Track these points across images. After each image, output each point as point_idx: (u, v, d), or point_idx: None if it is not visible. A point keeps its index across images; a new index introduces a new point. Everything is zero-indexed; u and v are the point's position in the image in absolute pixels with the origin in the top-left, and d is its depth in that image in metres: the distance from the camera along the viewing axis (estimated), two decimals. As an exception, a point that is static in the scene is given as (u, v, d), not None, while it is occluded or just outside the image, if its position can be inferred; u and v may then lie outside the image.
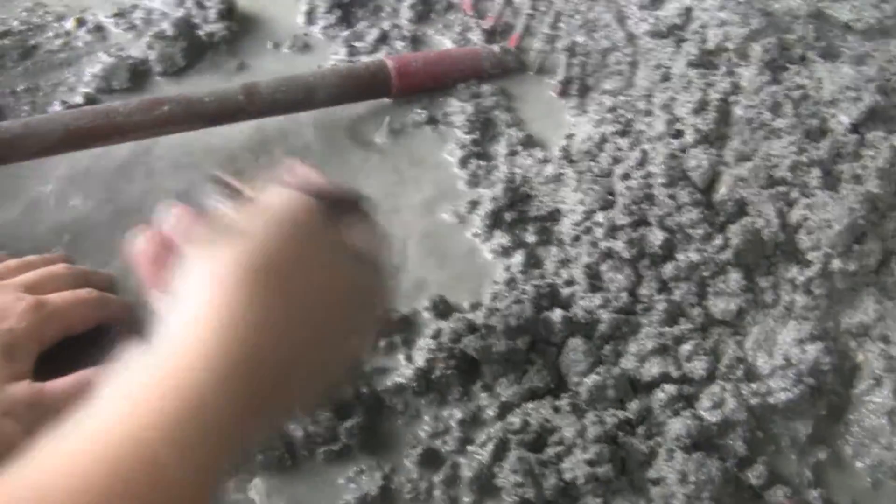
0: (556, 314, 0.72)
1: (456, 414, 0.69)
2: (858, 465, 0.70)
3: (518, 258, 0.77)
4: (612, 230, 0.73)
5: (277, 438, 0.67)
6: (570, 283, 0.75)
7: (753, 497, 0.67)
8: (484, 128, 0.89)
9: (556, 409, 0.69)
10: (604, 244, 0.73)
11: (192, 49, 0.96)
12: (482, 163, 0.85)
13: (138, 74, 0.94)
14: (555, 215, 0.80)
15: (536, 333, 0.72)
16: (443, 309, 0.74)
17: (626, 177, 0.75)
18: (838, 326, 0.72)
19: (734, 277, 0.71)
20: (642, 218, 0.73)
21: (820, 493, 0.67)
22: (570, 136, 0.86)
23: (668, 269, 0.72)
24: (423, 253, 0.80)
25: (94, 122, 0.80)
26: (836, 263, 0.69)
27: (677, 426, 0.67)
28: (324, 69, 0.92)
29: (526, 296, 0.72)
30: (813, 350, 0.69)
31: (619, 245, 0.72)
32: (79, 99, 0.90)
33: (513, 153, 0.86)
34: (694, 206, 0.71)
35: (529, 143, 0.87)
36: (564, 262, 0.76)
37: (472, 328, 0.71)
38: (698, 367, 0.70)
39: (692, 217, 0.71)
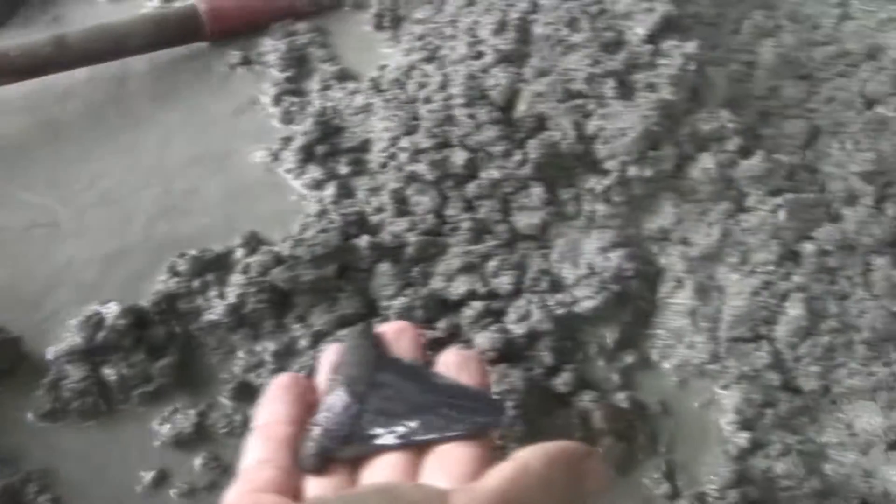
0: (363, 240, 0.71)
1: (269, 346, 0.68)
2: (665, 365, 0.70)
3: (330, 190, 0.76)
4: (416, 154, 0.71)
5: (92, 384, 0.65)
6: (379, 210, 0.74)
7: (562, 404, 0.66)
8: (298, 65, 0.88)
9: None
10: (408, 168, 0.72)
11: (3, 4, 0.92)
12: (295, 99, 0.84)
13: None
14: (365, 146, 0.79)
15: (344, 261, 0.70)
16: (254, 245, 0.73)
17: (427, 100, 0.74)
18: (640, 232, 0.71)
19: (536, 192, 0.71)
20: (445, 140, 0.72)
21: (627, 394, 0.67)
22: (382, 67, 0.85)
23: (472, 188, 0.71)
24: (236, 192, 0.78)
25: None
26: (633, 170, 0.69)
27: (481, 340, 0.66)
28: (135, 16, 0.89)
29: (333, 225, 0.71)
30: (615, 257, 0.69)
31: (422, 168, 0.71)
32: None
33: (325, 88, 0.85)
34: (493, 124, 0.70)
35: (343, 76, 0.86)
36: (374, 190, 0.75)
37: (279, 260, 0.69)
38: (504, 282, 0.69)
39: (492, 135, 0.70)
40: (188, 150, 0.81)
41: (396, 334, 0.57)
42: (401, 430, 0.48)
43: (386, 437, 0.48)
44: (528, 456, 0.44)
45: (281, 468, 0.51)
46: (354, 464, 0.49)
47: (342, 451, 0.49)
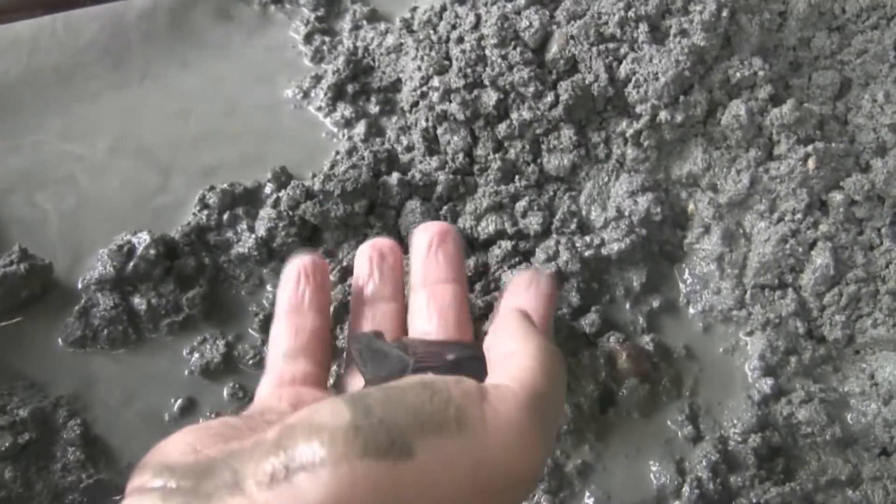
0: (393, 178, 0.69)
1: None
2: (691, 311, 0.68)
3: (360, 128, 0.74)
4: (447, 93, 0.69)
5: (122, 312, 0.64)
6: (409, 148, 0.73)
7: (587, 344, 0.65)
8: (329, 4, 0.85)
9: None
10: (439, 107, 0.70)
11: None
12: (326, 38, 0.82)
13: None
14: (396, 85, 0.77)
15: (374, 197, 0.69)
16: (284, 180, 0.71)
17: (460, 40, 0.71)
18: (669, 177, 0.70)
19: (566, 133, 0.69)
20: (477, 80, 0.69)
21: (652, 337, 0.66)
22: (413, 9, 0.82)
23: (502, 128, 0.69)
24: (267, 129, 0.77)
25: None
26: (664, 115, 0.67)
27: (509, 278, 0.64)
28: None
29: (363, 161, 0.69)
30: (644, 201, 0.67)
31: (454, 107, 0.69)
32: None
33: (356, 28, 0.82)
34: (525, 65, 0.68)
35: (374, 17, 0.84)
36: (404, 129, 0.73)
37: (309, 194, 0.67)
38: (533, 222, 0.68)
39: (523, 76, 0.68)
40: (219, 88, 0.79)
41: (441, 236, 0.56)
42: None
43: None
44: (537, 346, 0.42)
45: (315, 361, 0.51)
46: None
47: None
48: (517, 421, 0.37)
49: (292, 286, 0.54)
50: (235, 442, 0.36)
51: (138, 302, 0.65)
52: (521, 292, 0.53)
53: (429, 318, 0.53)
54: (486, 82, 0.70)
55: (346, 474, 0.32)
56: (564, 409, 0.60)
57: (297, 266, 0.55)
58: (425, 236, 0.56)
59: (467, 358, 0.49)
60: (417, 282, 0.55)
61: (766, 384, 0.64)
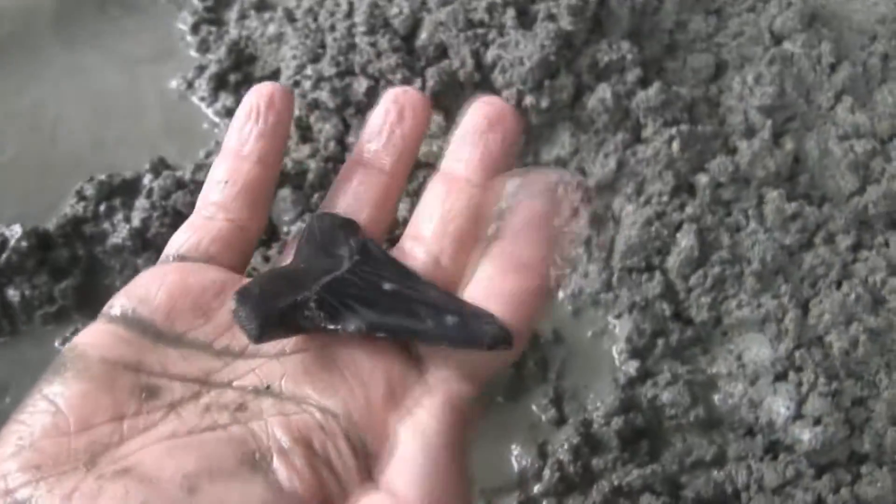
0: (265, 167, 0.66)
1: (171, 270, 0.64)
2: (560, 294, 0.66)
3: (243, 116, 0.71)
4: (319, 81, 0.67)
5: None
6: (285, 137, 0.70)
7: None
8: (219, -6, 0.83)
9: (266, 259, 0.64)
10: (311, 95, 0.67)
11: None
12: (213, 28, 0.79)
13: None
14: (276, 75, 0.75)
15: (246, 186, 0.66)
16: (161, 170, 0.69)
17: (332, 28, 0.69)
18: (537, 162, 0.67)
19: (435, 119, 0.66)
20: (348, 68, 0.67)
21: (519, 322, 0.63)
22: (300, -2, 0.80)
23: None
24: (150, 120, 0.74)
25: None
26: (529, 99, 0.65)
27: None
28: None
29: (236, 151, 0.66)
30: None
31: (324, 95, 0.67)
32: None
33: (243, 17, 0.80)
34: (394, 52, 0.66)
35: (262, 6, 0.81)
36: (281, 119, 0.70)
37: (181, 184, 0.65)
38: (402, 208, 0.65)
39: (391, 63, 0.65)
40: (104, 78, 0.76)
41: (497, 119, 0.40)
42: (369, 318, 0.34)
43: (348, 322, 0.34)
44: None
45: (234, 221, 0.39)
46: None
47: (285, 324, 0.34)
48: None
49: (240, 122, 0.42)
50: None
51: (12, 294, 0.63)
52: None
53: (428, 218, 0.39)
54: (357, 70, 0.67)
55: None
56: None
57: (252, 99, 0.42)
58: (478, 114, 0.40)
59: (407, 329, 0.35)
60: (441, 167, 0.41)
61: (632, 366, 0.62)
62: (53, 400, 0.31)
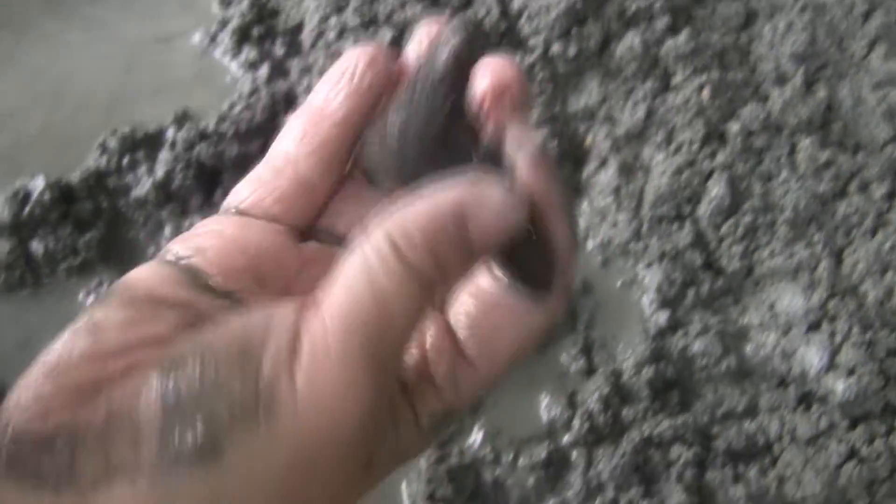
0: (289, 118, 0.65)
1: (196, 221, 0.63)
2: (589, 245, 0.65)
3: (264, 70, 0.71)
4: (343, 32, 0.66)
5: (19, 257, 0.61)
6: (310, 89, 0.69)
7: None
8: (242, -50, 0.81)
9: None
10: (335, 46, 0.66)
11: None
12: (235, -18, 0.77)
13: None
14: (300, 28, 0.73)
15: (270, 138, 0.65)
16: (184, 124, 0.67)
17: (356, -21, 0.68)
18: (565, 110, 0.66)
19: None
20: (372, 18, 0.66)
21: (547, 273, 0.62)
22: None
23: (398, 65, 0.65)
24: (174, 75, 0.73)
25: None
26: (556, 48, 0.63)
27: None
28: None
29: (259, 102, 0.65)
30: (539, 135, 0.63)
31: (349, 46, 0.65)
32: None
33: (265, -29, 0.78)
34: (418, 1, 0.64)
35: (285, -40, 0.79)
36: (306, 70, 0.69)
37: (204, 136, 0.64)
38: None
39: (416, 11, 0.64)
40: (129, 33, 0.75)
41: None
42: None
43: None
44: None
45: (302, 179, 0.36)
46: None
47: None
48: (334, 384, 0.30)
49: (332, 80, 0.37)
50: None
51: (35, 246, 0.62)
52: None
53: None
54: (381, 20, 0.66)
55: (161, 484, 0.28)
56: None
57: (352, 56, 0.37)
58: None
59: None
60: None
61: (662, 316, 0.61)
62: (96, 322, 0.30)
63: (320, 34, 0.68)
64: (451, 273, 0.30)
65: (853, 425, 0.59)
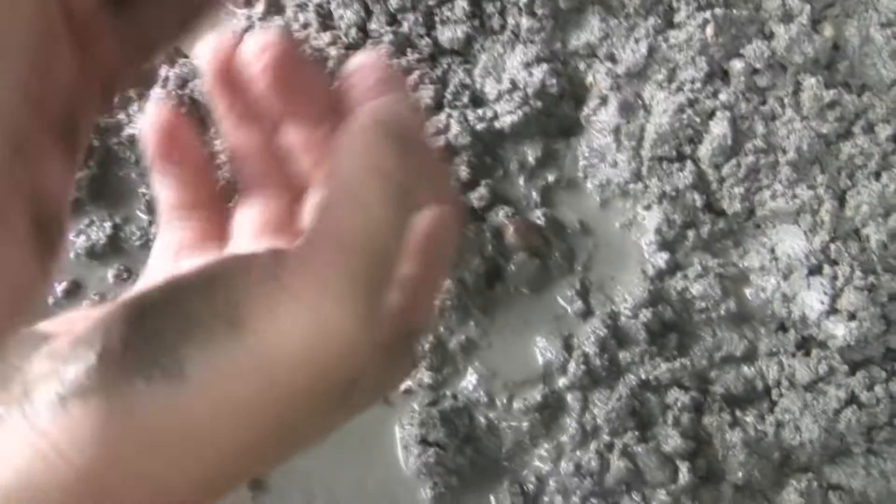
0: (283, 53, 0.62)
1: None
2: (588, 185, 0.62)
3: (259, 7, 0.67)
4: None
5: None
6: (305, 25, 0.66)
7: (476, 218, 0.59)
8: None
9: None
10: (331, -25, 0.63)
11: None
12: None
13: None
14: (297, -35, 0.70)
15: (263, 73, 0.62)
16: (178, 59, 0.65)
17: None
18: (566, 48, 0.63)
19: (460, 4, 0.62)
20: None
21: (544, 212, 0.60)
22: None
23: (395, 0, 0.62)
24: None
25: None
26: (557, -18, 0.60)
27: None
28: None
29: (253, 38, 0.62)
30: (539, 72, 0.61)
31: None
32: None
33: None
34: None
35: None
36: (302, 6, 0.66)
37: (196, 73, 0.61)
38: (425, 95, 0.61)
39: (415, -58, 0.61)
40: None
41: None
42: None
43: None
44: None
45: (203, 220, 0.35)
46: None
47: None
48: (316, 307, 0.27)
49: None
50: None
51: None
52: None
53: None
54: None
55: (118, 401, 0.25)
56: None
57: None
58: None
59: None
60: None
61: (661, 258, 0.59)
62: None
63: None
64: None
65: (853, 371, 0.58)
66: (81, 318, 0.28)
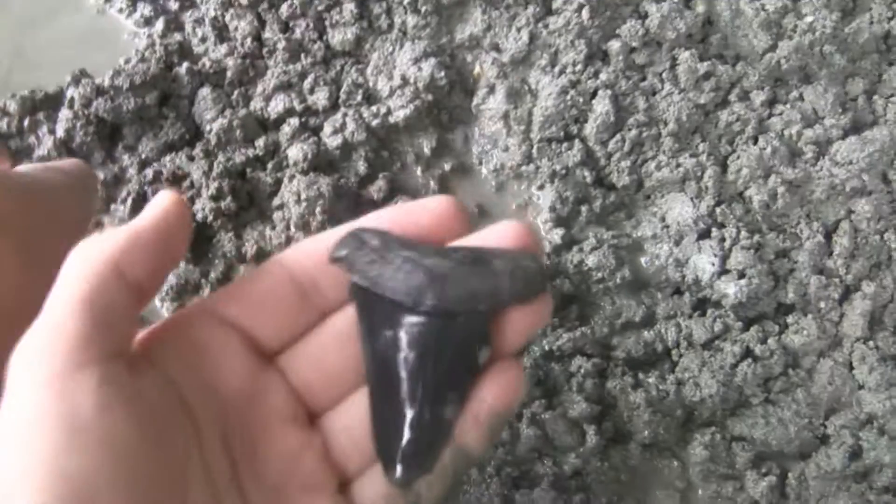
0: (183, 67, 0.64)
1: (99, 177, 0.62)
2: (483, 171, 0.64)
3: (159, 25, 0.69)
4: (233, -21, 0.64)
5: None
6: (204, 39, 0.68)
7: (373, 208, 0.60)
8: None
9: (191, 158, 0.62)
10: (226, -7, 0.64)
11: None
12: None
13: None
14: (193, -21, 0.72)
15: (166, 89, 0.64)
16: (82, 80, 0.66)
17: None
18: (452, 41, 0.65)
19: (347, 7, 0.64)
20: (259, -36, 0.64)
21: (441, 199, 0.61)
22: None
23: (285, 8, 0.65)
24: (70, 36, 0.71)
25: None
26: (436, -22, 0.62)
27: (294, 152, 0.60)
28: None
29: (154, 54, 0.64)
30: (428, 67, 0.63)
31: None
32: None
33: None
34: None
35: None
36: (199, 21, 0.68)
37: (100, 91, 0.63)
38: (321, 97, 0.63)
39: (298, -46, 0.63)
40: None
41: None
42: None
43: None
44: None
45: None
46: None
47: None
48: None
49: None
50: None
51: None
52: None
53: None
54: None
55: None
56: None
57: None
58: None
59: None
60: None
61: (557, 235, 0.61)
62: None
63: (209, -18, 0.67)
64: None
65: (747, 326, 0.60)
66: None
